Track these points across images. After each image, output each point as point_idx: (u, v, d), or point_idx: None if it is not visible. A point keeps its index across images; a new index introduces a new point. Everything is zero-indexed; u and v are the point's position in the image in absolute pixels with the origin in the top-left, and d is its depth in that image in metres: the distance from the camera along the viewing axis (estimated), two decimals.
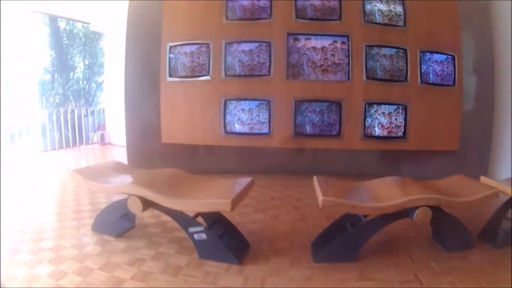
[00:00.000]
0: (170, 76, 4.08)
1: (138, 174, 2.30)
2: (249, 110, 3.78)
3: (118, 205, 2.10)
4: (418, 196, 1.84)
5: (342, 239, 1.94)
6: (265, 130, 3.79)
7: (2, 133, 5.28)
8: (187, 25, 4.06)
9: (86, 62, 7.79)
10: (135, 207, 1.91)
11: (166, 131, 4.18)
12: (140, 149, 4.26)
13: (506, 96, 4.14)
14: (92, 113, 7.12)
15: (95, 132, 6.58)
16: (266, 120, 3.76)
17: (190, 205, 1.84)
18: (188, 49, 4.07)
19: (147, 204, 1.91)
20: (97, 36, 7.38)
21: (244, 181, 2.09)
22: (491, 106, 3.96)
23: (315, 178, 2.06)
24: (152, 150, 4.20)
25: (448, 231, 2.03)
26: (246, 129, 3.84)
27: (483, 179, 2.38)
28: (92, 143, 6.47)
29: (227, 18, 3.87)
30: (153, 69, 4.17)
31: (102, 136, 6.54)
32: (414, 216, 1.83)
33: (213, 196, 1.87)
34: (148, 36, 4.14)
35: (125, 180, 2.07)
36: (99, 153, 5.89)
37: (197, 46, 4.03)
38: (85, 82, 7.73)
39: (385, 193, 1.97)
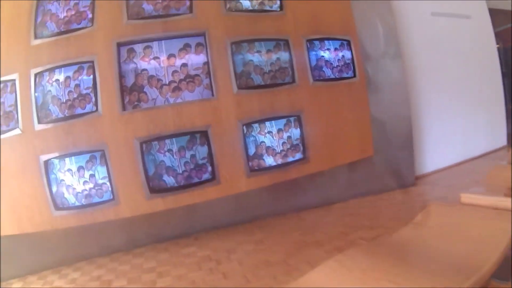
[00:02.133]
0: None
1: None
2: (78, 170, 2.30)
3: None
4: None
5: None
6: (107, 195, 2.32)
7: None
8: None
9: None
10: None
11: None
12: None
13: (420, 78, 3.21)
14: None
15: None
16: (106, 181, 2.29)
17: None
18: None
19: None
20: None
21: None
22: (405, 95, 2.97)
23: None
24: None
25: None
26: (81, 199, 2.34)
27: (465, 197, 1.53)
28: None
29: (36, 37, 2.45)
30: None
31: None
32: None
33: None
34: None
35: None
36: None
37: (3, 84, 2.70)
38: None
39: None
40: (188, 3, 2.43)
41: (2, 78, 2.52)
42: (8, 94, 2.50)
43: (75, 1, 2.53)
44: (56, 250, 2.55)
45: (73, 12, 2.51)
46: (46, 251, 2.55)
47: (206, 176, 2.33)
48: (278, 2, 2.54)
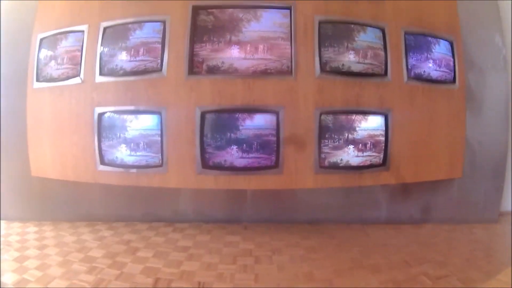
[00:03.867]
0: (38, 80, 2.53)
1: None
2: (135, 128, 2.11)
3: None
4: None
5: None
6: (156, 161, 2.11)
7: None
8: (64, 7, 2.64)
9: None
10: None
11: (35, 160, 2.48)
12: (6, 186, 2.58)
13: None
14: None
15: None
16: (158, 144, 2.09)
17: None
18: (62, 40, 2.58)
19: None
20: None
21: None
22: (506, 115, 2.46)
23: None
24: (21, 187, 2.51)
25: None
26: (130, 160, 2.16)
27: None
28: None
29: None
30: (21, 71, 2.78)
31: None
32: None
33: None
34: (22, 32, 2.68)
35: None
36: None
37: (72, 34, 2.63)
38: None
39: None
40: None
41: (73, 28, 2.46)
42: (78, 44, 2.46)
43: None
44: (98, 205, 2.43)
45: None
46: (87, 203, 2.45)
47: (268, 162, 2.01)
48: None
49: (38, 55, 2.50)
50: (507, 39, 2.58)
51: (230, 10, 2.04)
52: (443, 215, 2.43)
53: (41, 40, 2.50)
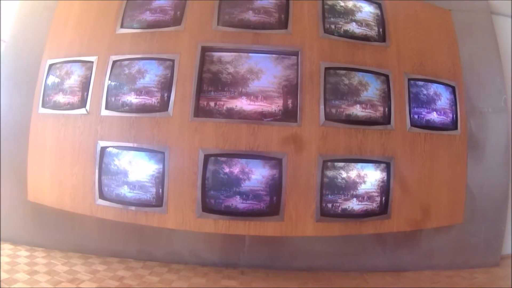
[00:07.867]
0: (43, 106, 2.42)
1: None
2: (137, 165, 2.05)
3: None
4: None
5: None
6: (156, 199, 2.03)
7: None
8: (75, 35, 2.61)
9: None
10: None
11: (33, 185, 2.38)
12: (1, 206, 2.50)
13: None
14: None
15: None
16: (159, 184, 2.00)
17: None
18: (71, 68, 2.55)
19: None
20: None
21: None
22: (506, 157, 2.43)
23: None
24: (16, 209, 2.40)
25: None
26: (130, 197, 2.08)
27: None
28: None
29: (122, 26, 2.31)
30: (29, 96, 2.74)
31: None
32: None
33: None
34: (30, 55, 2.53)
35: None
36: None
37: (81, 64, 2.59)
38: None
39: None
40: (283, 17, 2.16)
41: (82, 58, 2.44)
42: (86, 75, 2.43)
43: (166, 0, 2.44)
44: (93, 238, 2.31)
45: (163, 10, 2.38)
46: (82, 234, 2.32)
47: (269, 209, 1.94)
48: (381, 32, 2.20)
49: (45, 81, 2.48)
50: (507, 82, 2.60)
51: (243, 71, 2.04)
52: (443, 261, 2.35)
53: (50, 66, 2.47)
